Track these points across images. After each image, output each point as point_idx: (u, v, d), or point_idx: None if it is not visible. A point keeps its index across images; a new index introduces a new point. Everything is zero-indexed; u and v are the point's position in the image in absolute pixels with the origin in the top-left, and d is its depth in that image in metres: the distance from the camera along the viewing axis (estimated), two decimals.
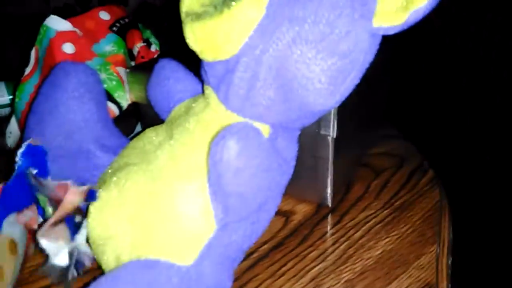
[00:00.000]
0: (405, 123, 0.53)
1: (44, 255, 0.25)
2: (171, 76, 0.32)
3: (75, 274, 0.26)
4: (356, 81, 0.25)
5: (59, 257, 0.25)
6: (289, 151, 0.28)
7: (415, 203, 0.38)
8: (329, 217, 0.37)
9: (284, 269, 0.31)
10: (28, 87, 0.41)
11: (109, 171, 0.30)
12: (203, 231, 0.25)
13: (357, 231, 0.35)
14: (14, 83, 0.51)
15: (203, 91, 0.29)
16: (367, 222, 0.36)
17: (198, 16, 0.25)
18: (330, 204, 0.37)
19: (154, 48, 0.48)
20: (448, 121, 0.76)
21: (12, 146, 0.43)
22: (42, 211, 0.30)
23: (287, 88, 0.24)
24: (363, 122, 0.42)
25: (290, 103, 0.25)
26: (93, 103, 0.33)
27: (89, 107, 0.33)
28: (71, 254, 0.25)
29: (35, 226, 0.29)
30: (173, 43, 0.48)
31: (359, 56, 0.24)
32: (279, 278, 0.30)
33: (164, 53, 0.47)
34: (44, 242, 0.25)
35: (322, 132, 0.34)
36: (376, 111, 0.47)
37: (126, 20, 0.46)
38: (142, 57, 0.46)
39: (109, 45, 0.43)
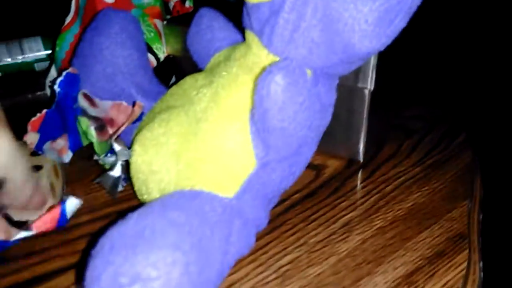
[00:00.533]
0: (439, 88, 0.53)
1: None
2: (210, 25, 0.32)
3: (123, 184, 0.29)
4: (403, 24, 0.25)
5: (116, 168, 0.27)
6: (328, 97, 0.28)
7: (447, 162, 0.38)
8: (360, 172, 0.37)
9: (315, 215, 0.32)
10: (69, 36, 0.42)
11: (150, 114, 0.31)
12: (244, 167, 0.26)
13: (388, 185, 0.35)
14: (50, 39, 0.52)
15: (244, 38, 0.30)
16: (398, 178, 0.36)
17: None
18: (361, 160, 0.38)
19: (188, 4, 0.48)
20: (480, 86, 0.74)
21: None
22: (72, 142, 0.31)
23: (332, 29, 0.24)
24: (400, 79, 0.42)
25: (334, 45, 0.25)
26: (134, 49, 0.34)
27: (131, 53, 0.34)
28: (123, 167, 0.28)
29: (65, 156, 0.31)
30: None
31: None
32: (311, 223, 0.31)
33: (198, 7, 0.47)
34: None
35: (360, 85, 0.34)
36: (413, 71, 0.46)
37: None
38: (178, 12, 0.46)
39: None
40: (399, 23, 0.24)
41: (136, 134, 0.30)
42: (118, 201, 0.33)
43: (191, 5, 0.48)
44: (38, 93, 0.50)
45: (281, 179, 0.27)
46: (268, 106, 0.23)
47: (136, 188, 0.29)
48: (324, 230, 0.31)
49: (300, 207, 0.33)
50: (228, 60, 0.30)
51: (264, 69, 0.25)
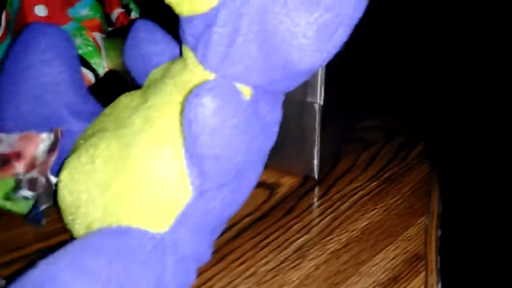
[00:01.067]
0: (395, 97, 0.52)
1: None
2: (147, 38, 0.30)
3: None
4: (344, 38, 0.23)
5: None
6: (272, 115, 0.26)
7: (404, 175, 0.37)
8: (316, 189, 0.35)
9: (267, 240, 0.30)
10: (2, 49, 0.39)
11: (81, 138, 0.29)
12: (178, 198, 0.23)
13: (343, 203, 0.33)
14: None
15: (181, 53, 0.27)
16: (354, 194, 0.34)
17: None
18: (316, 176, 0.36)
19: (134, 15, 0.45)
20: (438, 94, 0.75)
21: None
22: None
23: (270, 44, 0.23)
24: (352, 91, 0.41)
25: (273, 62, 0.23)
26: (65, 67, 0.31)
27: (60, 71, 0.31)
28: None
29: None
30: (152, 10, 0.46)
31: (347, 10, 0.22)
32: (261, 249, 0.29)
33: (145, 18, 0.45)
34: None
35: (309, 99, 0.32)
36: (365, 81, 0.45)
37: None
38: (121, 24, 0.43)
39: (85, 9, 0.40)
40: (341, 36, 0.23)
41: (64, 162, 0.27)
42: (45, 237, 0.30)
43: (137, 16, 0.45)
44: None
45: (222, 207, 0.25)
46: (197, 132, 0.21)
47: (65, 222, 0.26)
48: (275, 257, 0.29)
49: (250, 231, 0.31)
50: (164, 77, 0.27)
51: (192, 90, 0.23)
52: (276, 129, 0.26)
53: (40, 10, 0.38)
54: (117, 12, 0.43)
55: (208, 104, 0.20)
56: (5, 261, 0.28)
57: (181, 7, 0.24)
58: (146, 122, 0.25)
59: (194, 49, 0.25)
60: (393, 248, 0.29)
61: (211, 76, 0.24)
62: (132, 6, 0.45)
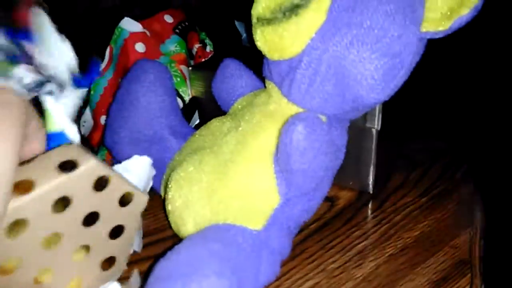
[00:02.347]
0: (439, 122, 0.56)
1: None
2: (234, 74, 0.36)
3: None
4: (404, 79, 0.29)
5: None
6: (341, 139, 0.32)
7: (451, 193, 0.41)
8: (371, 202, 0.40)
9: (331, 244, 0.35)
10: (103, 81, 0.47)
11: (182, 153, 0.35)
12: (269, 203, 0.29)
13: (397, 215, 0.38)
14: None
15: (264, 86, 0.34)
16: (406, 207, 0.39)
17: (268, 22, 0.29)
18: (371, 191, 0.41)
19: (208, 48, 0.53)
20: (481, 119, 0.78)
21: (85, 134, 0.49)
22: None
23: (344, 84, 0.29)
24: (403, 118, 0.46)
25: (345, 97, 0.29)
26: (166, 95, 0.38)
27: (163, 99, 0.38)
28: None
29: None
30: (224, 45, 0.54)
31: (408, 57, 0.28)
32: (328, 251, 0.34)
33: (218, 54, 0.52)
34: None
35: (368, 125, 0.38)
36: (414, 109, 0.50)
37: (186, 23, 0.51)
38: (199, 57, 0.51)
39: (173, 45, 0.48)
40: (402, 77, 0.28)
41: (170, 173, 0.34)
42: (150, 232, 0.37)
43: (212, 49, 0.53)
44: None
45: (301, 212, 0.31)
46: (291, 152, 0.27)
47: (172, 221, 0.33)
48: (340, 257, 0.34)
49: (316, 236, 0.36)
50: (251, 106, 0.34)
51: (287, 119, 0.29)
52: (344, 150, 0.32)
53: (140, 47, 0.45)
54: (196, 47, 0.51)
55: (301, 130, 0.26)
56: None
57: (272, 54, 0.30)
58: (240, 143, 0.31)
59: (279, 85, 0.31)
60: (442, 254, 0.33)
61: (293, 107, 0.31)
62: (207, 41, 0.53)
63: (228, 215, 0.29)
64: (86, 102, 0.49)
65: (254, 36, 0.31)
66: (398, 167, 0.45)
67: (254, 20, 0.31)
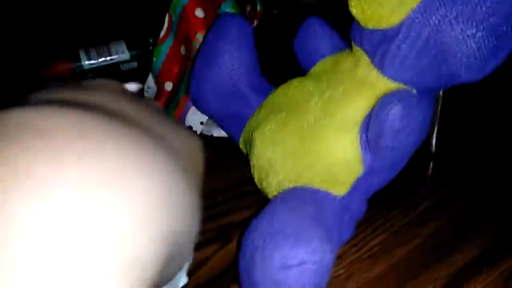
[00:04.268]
0: None
1: None
2: (318, 32, 0.36)
3: None
4: (504, 60, 0.28)
5: None
6: (429, 112, 0.32)
7: None
8: (432, 162, 0.42)
9: (393, 204, 0.38)
10: (164, 48, 0.46)
11: (263, 110, 0.36)
12: (353, 172, 0.31)
13: (458, 176, 0.40)
14: (134, 41, 0.59)
15: (350, 49, 0.33)
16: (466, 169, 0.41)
17: None
18: (433, 151, 0.43)
19: (258, 8, 0.52)
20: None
21: None
22: None
23: (441, 60, 0.28)
24: None
25: (441, 73, 0.29)
26: (249, 51, 0.38)
27: (246, 55, 0.38)
28: None
29: None
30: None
31: (510, 42, 0.27)
32: (391, 211, 0.37)
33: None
34: None
35: None
36: None
37: None
38: (252, 17, 0.50)
39: (228, 8, 0.47)
40: (502, 58, 0.28)
41: (250, 129, 0.36)
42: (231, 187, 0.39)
43: (261, 9, 0.52)
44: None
45: (381, 182, 0.32)
46: (384, 130, 0.28)
47: (256, 175, 0.35)
48: (404, 217, 0.36)
49: (379, 194, 0.38)
50: (336, 71, 0.34)
51: (378, 93, 0.30)
52: (429, 122, 0.32)
53: (199, 13, 0.44)
54: (248, 7, 0.50)
55: (398, 111, 0.27)
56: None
57: (367, 22, 0.30)
58: (325, 110, 0.32)
59: (370, 54, 0.31)
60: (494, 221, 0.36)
61: (384, 78, 0.31)
62: (256, 1, 0.51)
63: (313, 179, 0.31)
64: (148, 68, 0.49)
65: (349, 1, 0.30)
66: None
67: None
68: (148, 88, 0.48)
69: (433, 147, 0.42)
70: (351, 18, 0.31)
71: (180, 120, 0.46)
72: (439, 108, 0.40)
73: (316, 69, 0.36)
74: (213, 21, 0.38)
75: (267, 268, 0.25)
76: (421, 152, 0.43)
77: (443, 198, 0.38)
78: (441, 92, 0.39)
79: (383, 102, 0.28)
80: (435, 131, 0.41)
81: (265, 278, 0.26)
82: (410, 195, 0.38)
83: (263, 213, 0.29)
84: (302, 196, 0.30)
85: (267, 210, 0.29)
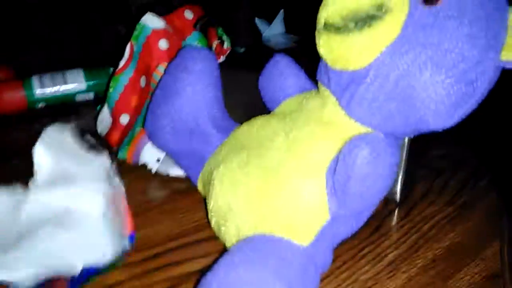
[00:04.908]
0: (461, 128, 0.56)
1: None
2: (285, 72, 0.34)
3: None
4: (474, 107, 0.27)
5: None
6: (396, 157, 0.30)
7: (476, 202, 0.42)
8: (397, 211, 0.41)
9: (362, 253, 0.35)
10: (123, 79, 0.44)
11: (224, 149, 0.34)
12: (318, 220, 0.29)
13: (425, 224, 0.39)
14: (91, 70, 0.57)
15: (317, 89, 0.32)
16: (433, 217, 0.40)
17: (337, 29, 0.27)
18: (398, 200, 0.41)
19: (226, 45, 0.51)
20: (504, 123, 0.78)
21: (102, 133, 0.46)
22: None
23: (409, 105, 0.27)
24: None
25: (408, 119, 0.28)
26: (213, 86, 0.36)
27: (210, 90, 0.36)
28: None
29: None
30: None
31: (483, 86, 0.26)
32: (359, 260, 0.35)
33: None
34: None
35: None
36: None
37: (205, 18, 0.48)
38: (218, 54, 0.49)
39: (194, 41, 0.45)
40: (472, 106, 0.27)
41: (210, 168, 0.33)
42: (186, 232, 0.36)
43: (229, 46, 0.51)
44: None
45: (346, 231, 0.30)
46: (351, 175, 0.26)
47: (213, 220, 0.32)
48: (372, 267, 0.34)
49: (346, 245, 0.36)
50: (302, 110, 0.32)
51: (345, 136, 0.28)
52: (395, 171, 0.31)
53: (163, 44, 0.42)
54: (215, 43, 0.49)
55: (366, 155, 0.25)
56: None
57: (335, 64, 0.28)
58: (290, 151, 0.30)
59: (338, 95, 0.29)
60: (473, 266, 0.34)
61: (351, 121, 0.29)
62: (224, 37, 0.51)
63: (276, 226, 0.28)
64: (103, 99, 0.46)
65: (317, 41, 0.29)
66: (421, 173, 0.45)
67: (320, 25, 0.28)
68: (103, 119, 0.45)
69: (397, 197, 0.41)
70: (318, 59, 0.30)
71: (134, 157, 0.42)
72: (405, 155, 0.39)
73: (281, 108, 0.34)
74: (177, 53, 0.36)
75: None
76: (385, 201, 0.41)
77: (410, 248, 0.36)
78: (406, 139, 0.39)
79: (350, 146, 0.26)
80: (401, 176, 0.40)
81: None
82: (376, 244, 0.36)
83: (218, 266, 0.26)
84: (263, 247, 0.27)
85: (223, 262, 0.26)
